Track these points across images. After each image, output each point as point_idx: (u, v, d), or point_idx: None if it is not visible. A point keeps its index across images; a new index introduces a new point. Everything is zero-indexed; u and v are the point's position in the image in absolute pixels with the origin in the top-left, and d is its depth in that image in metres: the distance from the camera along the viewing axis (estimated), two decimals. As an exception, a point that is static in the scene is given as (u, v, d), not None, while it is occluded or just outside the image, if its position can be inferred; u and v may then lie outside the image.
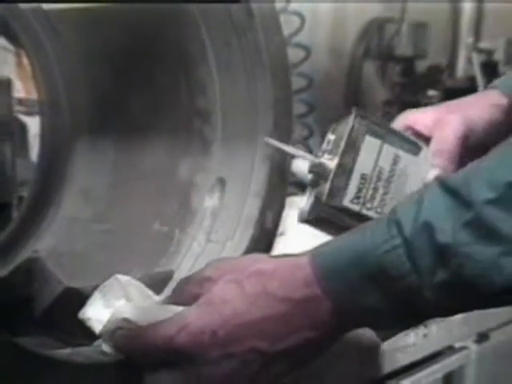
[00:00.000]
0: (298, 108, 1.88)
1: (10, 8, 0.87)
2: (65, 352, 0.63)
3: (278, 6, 0.85)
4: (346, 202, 0.67)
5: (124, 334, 0.57)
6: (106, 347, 0.58)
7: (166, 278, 0.78)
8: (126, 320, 0.56)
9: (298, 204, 0.73)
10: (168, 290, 0.71)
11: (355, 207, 0.68)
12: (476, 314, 0.98)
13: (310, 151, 2.04)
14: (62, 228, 0.91)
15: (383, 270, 0.51)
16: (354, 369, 0.76)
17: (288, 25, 1.78)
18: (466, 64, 2.59)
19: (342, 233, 0.56)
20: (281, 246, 0.84)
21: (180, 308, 0.57)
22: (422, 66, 2.66)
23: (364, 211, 0.68)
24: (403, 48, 2.57)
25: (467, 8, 2.65)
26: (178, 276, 0.76)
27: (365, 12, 2.50)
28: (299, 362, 0.57)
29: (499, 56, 2.12)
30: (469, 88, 2.18)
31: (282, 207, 0.83)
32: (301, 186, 0.77)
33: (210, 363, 0.54)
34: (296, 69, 1.83)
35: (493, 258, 0.48)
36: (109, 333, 0.57)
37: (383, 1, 2.56)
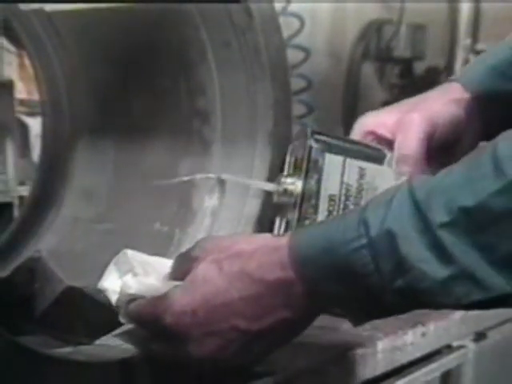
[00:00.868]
0: (298, 109, 1.89)
1: (12, 9, 0.87)
2: (66, 351, 0.63)
3: (277, 7, 0.85)
4: None
5: (132, 307, 0.59)
6: (122, 319, 0.61)
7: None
8: (131, 295, 0.59)
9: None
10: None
11: None
12: (474, 313, 0.98)
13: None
14: (63, 228, 0.91)
15: (350, 265, 0.52)
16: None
17: (287, 27, 1.78)
18: (463, 65, 2.59)
19: None
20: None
21: (177, 283, 0.59)
22: (420, 67, 2.67)
23: None
24: (401, 49, 2.58)
25: (465, 10, 2.65)
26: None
27: (363, 14, 2.50)
28: (278, 341, 0.58)
29: (497, 57, 2.11)
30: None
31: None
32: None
33: (193, 341, 0.56)
34: (295, 70, 1.83)
35: (443, 280, 0.49)
36: (123, 304, 0.60)
37: (382, 2, 2.57)
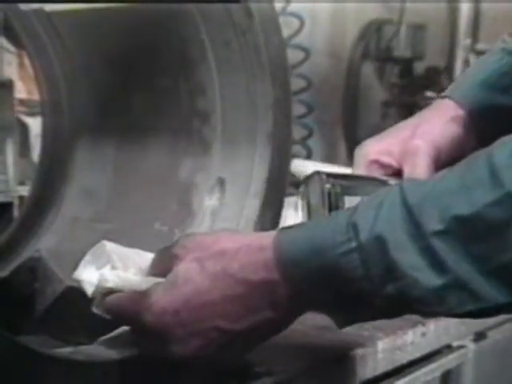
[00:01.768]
0: (298, 109, 1.89)
1: (12, 9, 0.87)
2: (66, 350, 0.63)
3: (277, 7, 0.86)
4: None
5: (111, 301, 0.58)
6: (96, 309, 0.60)
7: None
8: (108, 288, 0.58)
9: (297, 204, 0.72)
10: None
11: None
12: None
13: (310, 151, 2.05)
14: (63, 227, 0.92)
15: (338, 269, 0.51)
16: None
17: (287, 27, 1.79)
18: (463, 65, 2.59)
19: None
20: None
21: (157, 280, 0.58)
22: (420, 67, 2.67)
23: None
24: (401, 49, 2.58)
25: (465, 10, 2.66)
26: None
27: (363, 14, 2.51)
28: (260, 339, 0.58)
29: (497, 57, 2.12)
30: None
31: (281, 207, 0.83)
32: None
33: (175, 341, 0.56)
34: (295, 70, 1.83)
35: (436, 289, 0.49)
36: (98, 297, 0.59)
37: (382, 2, 2.57)
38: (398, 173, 0.71)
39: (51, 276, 0.74)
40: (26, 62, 1.38)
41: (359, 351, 0.76)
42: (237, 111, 0.83)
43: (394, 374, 0.84)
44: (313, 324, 0.83)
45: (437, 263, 0.48)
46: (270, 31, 0.80)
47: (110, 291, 0.59)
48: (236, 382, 0.65)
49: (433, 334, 0.89)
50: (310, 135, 2.04)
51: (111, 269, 0.59)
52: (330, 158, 2.23)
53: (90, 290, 0.59)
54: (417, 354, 0.87)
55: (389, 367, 0.82)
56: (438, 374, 0.93)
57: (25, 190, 1.18)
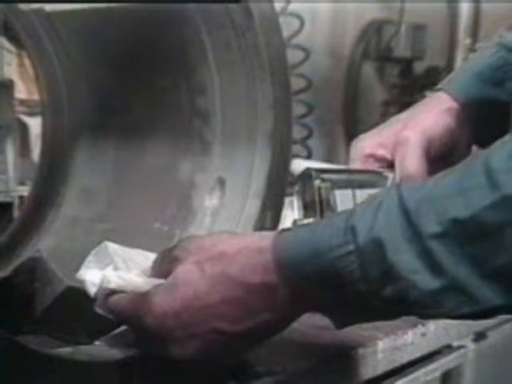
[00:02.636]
0: (298, 109, 1.89)
1: (12, 9, 0.87)
2: (66, 351, 0.63)
3: (277, 7, 0.86)
4: None
5: (113, 302, 0.59)
6: (98, 309, 0.61)
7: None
8: (111, 289, 0.59)
9: (292, 202, 0.73)
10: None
11: None
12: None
13: (310, 151, 2.05)
14: (63, 227, 0.92)
15: (336, 272, 0.51)
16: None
17: (287, 27, 1.78)
18: (463, 65, 2.58)
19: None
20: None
21: (159, 281, 0.59)
22: (420, 67, 2.67)
23: None
24: (401, 49, 2.58)
25: (465, 10, 2.66)
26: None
27: (363, 14, 2.51)
28: (259, 340, 0.59)
29: (497, 57, 2.12)
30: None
31: (281, 207, 0.83)
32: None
33: (175, 343, 0.56)
34: (295, 70, 1.83)
35: (434, 291, 0.49)
36: (100, 297, 0.60)
37: (382, 2, 2.57)
38: (392, 165, 0.72)
39: (51, 276, 0.74)
40: (26, 62, 1.37)
41: (359, 351, 0.76)
42: (237, 111, 0.83)
43: (394, 374, 0.84)
44: (313, 324, 0.83)
45: (434, 266, 0.48)
46: (270, 31, 0.80)
47: (113, 292, 0.59)
48: (236, 382, 0.65)
49: (433, 334, 0.89)
50: (309, 135, 2.04)
51: (114, 269, 0.60)
52: (330, 158, 2.23)
53: (92, 290, 0.60)
54: (417, 354, 0.87)
55: (389, 367, 0.82)
56: (437, 373, 0.93)
57: (25, 190, 1.18)
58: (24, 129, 1.41)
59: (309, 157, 1.99)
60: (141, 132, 0.91)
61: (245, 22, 0.78)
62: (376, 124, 0.78)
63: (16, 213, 1.19)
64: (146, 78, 0.88)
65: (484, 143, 0.73)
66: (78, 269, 0.64)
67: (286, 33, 0.93)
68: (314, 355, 0.74)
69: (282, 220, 0.84)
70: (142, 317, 0.57)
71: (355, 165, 0.74)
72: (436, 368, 0.93)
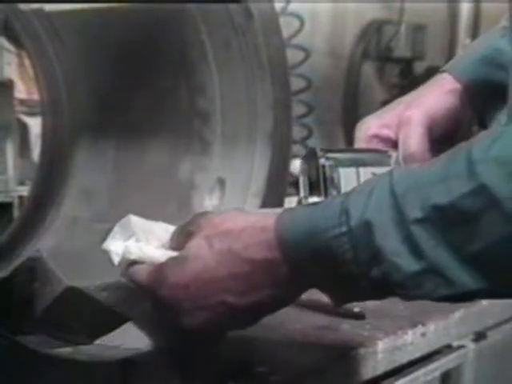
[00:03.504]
0: (298, 109, 1.89)
1: (12, 9, 0.87)
2: (66, 351, 0.63)
3: (277, 7, 0.86)
4: None
5: (131, 273, 0.63)
6: (121, 277, 0.65)
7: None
8: (132, 260, 0.63)
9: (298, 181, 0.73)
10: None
11: None
12: (474, 313, 0.98)
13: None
14: (63, 227, 0.92)
15: (330, 252, 0.54)
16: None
17: (287, 27, 1.78)
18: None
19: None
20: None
21: (174, 253, 0.62)
22: (420, 67, 2.67)
23: None
24: (401, 49, 2.58)
25: (465, 10, 2.66)
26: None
27: (363, 14, 2.51)
28: (263, 314, 0.61)
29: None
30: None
31: (281, 207, 0.83)
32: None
33: (185, 313, 0.59)
34: (295, 70, 1.83)
35: (414, 274, 0.51)
36: (123, 266, 0.64)
37: (382, 2, 2.57)
38: (397, 145, 0.73)
39: (51, 276, 0.74)
40: (26, 62, 1.38)
41: (359, 351, 0.76)
42: (237, 111, 0.83)
43: (394, 373, 0.84)
44: (313, 324, 0.83)
45: (416, 249, 0.51)
46: (270, 31, 0.80)
47: (134, 262, 0.63)
48: (236, 382, 0.65)
49: (433, 334, 0.89)
50: (309, 135, 2.04)
51: (136, 241, 0.64)
52: (329, 158, 2.22)
53: (116, 259, 0.65)
54: (417, 354, 0.87)
55: (389, 367, 0.82)
56: (437, 373, 0.93)
57: (25, 190, 1.18)
58: (24, 129, 1.41)
59: (309, 157, 1.98)
60: (141, 132, 0.91)
61: (245, 22, 0.78)
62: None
63: (16, 213, 1.19)
64: (146, 78, 0.88)
65: (486, 125, 0.74)
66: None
67: (285, 33, 0.93)
68: (314, 355, 0.74)
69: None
70: (156, 288, 0.60)
71: (360, 145, 0.75)
72: (436, 368, 0.93)
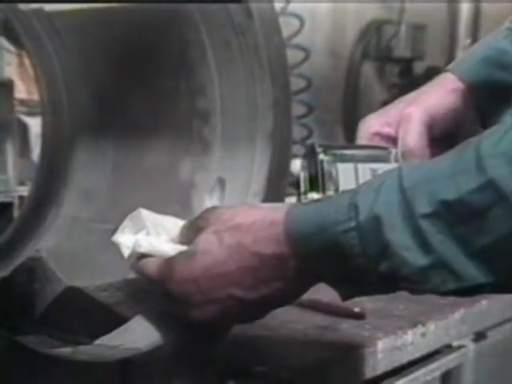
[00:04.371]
0: (298, 109, 1.89)
1: (12, 9, 0.87)
2: (66, 351, 0.63)
3: (277, 7, 0.86)
4: None
5: (141, 266, 0.64)
6: (131, 270, 0.66)
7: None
8: (141, 253, 0.64)
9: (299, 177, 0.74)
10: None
11: None
12: (474, 313, 0.98)
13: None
14: (62, 227, 0.92)
15: (339, 246, 0.54)
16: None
17: (287, 27, 1.79)
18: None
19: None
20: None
21: (183, 247, 0.63)
22: (420, 67, 2.67)
23: None
24: (401, 49, 2.58)
25: (465, 10, 2.66)
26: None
27: (363, 14, 2.51)
28: (271, 308, 0.62)
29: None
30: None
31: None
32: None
33: (194, 307, 0.60)
34: (295, 70, 1.83)
35: (422, 268, 0.52)
36: (133, 259, 0.64)
37: (382, 2, 2.57)
38: (397, 141, 0.74)
39: (51, 276, 0.74)
40: (26, 62, 1.38)
41: (359, 351, 0.76)
42: (237, 111, 0.83)
43: (394, 373, 0.84)
44: (313, 324, 0.83)
45: (424, 244, 0.51)
46: (270, 31, 0.80)
47: (143, 255, 0.63)
48: (236, 382, 0.65)
49: (433, 334, 0.89)
50: (310, 135, 2.04)
51: (146, 235, 0.65)
52: (329, 158, 2.22)
53: (126, 252, 0.65)
54: (417, 354, 0.87)
55: (389, 367, 0.82)
56: (437, 373, 0.93)
57: (25, 190, 1.18)
58: (24, 129, 1.41)
59: (309, 157, 1.98)
60: (141, 132, 0.90)
61: (245, 22, 0.78)
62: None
63: (16, 213, 1.19)
64: (145, 78, 0.88)
65: (488, 125, 0.74)
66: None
67: (285, 33, 0.93)
68: (314, 355, 0.74)
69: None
70: (165, 281, 0.61)
71: (362, 143, 0.76)
72: (436, 368, 0.93)
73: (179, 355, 0.66)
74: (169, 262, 0.61)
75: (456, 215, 0.50)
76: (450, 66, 0.78)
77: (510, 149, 0.48)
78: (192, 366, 0.64)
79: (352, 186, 0.68)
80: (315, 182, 0.69)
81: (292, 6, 1.85)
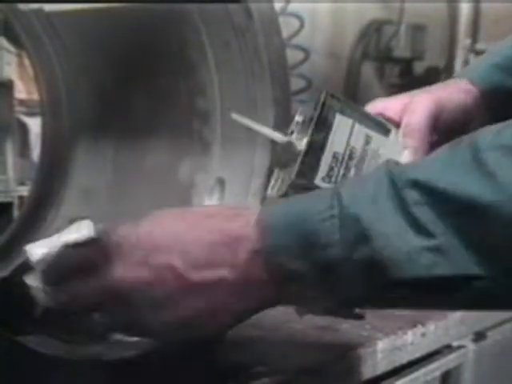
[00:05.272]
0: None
1: (12, 9, 0.87)
2: (66, 350, 0.63)
3: (277, 7, 0.86)
4: (318, 181, 0.65)
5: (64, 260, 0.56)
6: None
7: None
8: (39, 261, 0.55)
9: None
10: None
11: (326, 186, 0.65)
12: (473, 313, 0.98)
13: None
14: (62, 228, 0.91)
15: (316, 236, 0.51)
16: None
17: (287, 27, 1.79)
18: (463, 65, 2.60)
19: None
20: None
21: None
22: (419, 67, 2.67)
23: None
24: (401, 49, 2.58)
25: (465, 10, 2.66)
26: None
27: (363, 14, 2.51)
28: (217, 308, 0.54)
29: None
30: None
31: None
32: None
33: (126, 266, 0.53)
34: (295, 70, 1.83)
35: (412, 249, 0.49)
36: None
37: (382, 2, 2.57)
38: (398, 127, 0.73)
39: (51, 276, 0.74)
40: (26, 62, 1.38)
41: (359, 351, 0.76)
42: (237, 111, 0.83)
43: (393, 374, 0.84)
44: (313, 324, 0.83)
45: (417, 226, 0.49)
46: (270, 31, 0.80)
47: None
48: (236, 382, 0.65)
49: (433, 334, 0.89)
50: (309, 135, 2.04)
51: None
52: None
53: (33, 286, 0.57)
54: (417, 354, 0.87)
55: (389, 367, 0.82)
56: (437, 373, 0.93)
57: (25, 190, 1.18)
58: (24, 129, 1.41)
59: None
60: (140, 132, 0.91)
61: (245, 22, 0.78)
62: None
63: (16, 213, 1.19)
64: (145, 78, 0.88)
65: None
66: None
67: (285, 33, 0.93)
68: (314, 355, 0.74)
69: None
70: (100, 235, 0.54)
71: None
72: (436, 368, 0.93)
73: (179, 355, 0.66)
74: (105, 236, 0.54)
75: (451, 205, 0.49)
76: (458, 73, 0.78)
77: (508, 142, 0.48)
78: (192, 366, 0.64)
79: (342, 140, 0.66)
80: (305, 125, 0.65)
81: (292, 6, 1.85)
